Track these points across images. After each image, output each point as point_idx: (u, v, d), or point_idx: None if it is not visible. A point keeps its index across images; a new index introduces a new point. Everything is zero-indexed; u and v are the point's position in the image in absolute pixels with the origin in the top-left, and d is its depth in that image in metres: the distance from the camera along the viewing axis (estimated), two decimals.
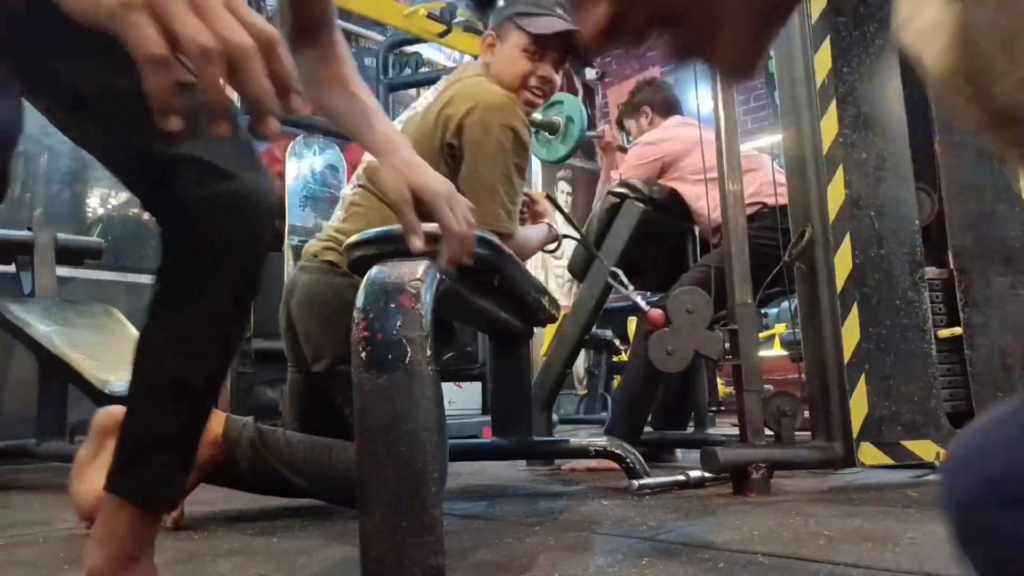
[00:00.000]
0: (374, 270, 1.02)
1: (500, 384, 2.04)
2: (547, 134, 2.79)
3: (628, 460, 1.84)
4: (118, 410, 1.34)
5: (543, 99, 1.73)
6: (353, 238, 1.15)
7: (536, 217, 1.88)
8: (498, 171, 1.53)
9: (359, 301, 0.98)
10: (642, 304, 1.95)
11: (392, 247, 1.08)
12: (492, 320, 1.73)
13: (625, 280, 2.03)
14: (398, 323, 0.95)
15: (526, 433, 1.99)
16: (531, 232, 1.80)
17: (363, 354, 0.94)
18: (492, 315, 1.58)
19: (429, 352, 0.95)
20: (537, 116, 2.79)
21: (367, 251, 1.11)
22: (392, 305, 0.96)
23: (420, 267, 1.01)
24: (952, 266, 1.81)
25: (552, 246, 1.84)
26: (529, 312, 1.76)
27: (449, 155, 1.54)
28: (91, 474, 1.32)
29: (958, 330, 1.77)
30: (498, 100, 1.56)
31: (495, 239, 1.27)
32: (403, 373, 0.93)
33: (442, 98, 1.60)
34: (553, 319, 1.98)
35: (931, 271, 1.79)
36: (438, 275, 1.04)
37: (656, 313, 1.94)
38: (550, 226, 1.84)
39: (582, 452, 2.02)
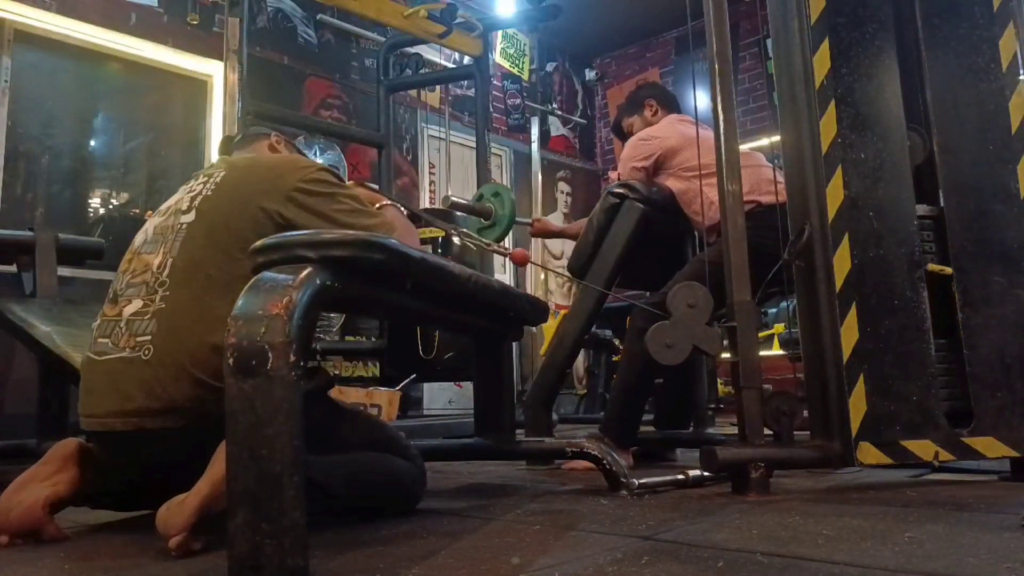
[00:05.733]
0: (255, 278, 1.07)
1: (480, 384, 2.03)
2: (482, 220, 2.94)
3: (605, 462, 1.77)
4: (74, 441, 1.40)
5: None
6: (256, 244, 1.17)
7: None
8: (346, 205, 1.50)
9: (234, 308, 1.01)
10: (500, 250, 2.00)
11: (279, 255, 1.12)
12: (452, 324, 1.69)
13: (471, 233, 2.05)
14: (262, 330, 0.98)
15: (507, 433, 1.96)
16: (399, 218, 1.74)
17: (230, 360, 0.97)
18: (450, 320, 1.55)
19: (293, 358, 0.97)
20: (464, 201, 2.94)
21: (259, 259, 1.14)
22: (259, 312, 1.00)
23: (298, 275, 1.05)
24: (951, 266, 1.81)
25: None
26: (495, 314, 1.74)
27: (279, 224, 1.44)
28: (31, 490, 1.30)
29: (948, 269, 1.78)
30: (297, 159, 1.61)
31: (394, 243, 1.25)
32: (264, 379, 0.96)
33: (245, 179, 1.51)
34: (528, 321, 1.97)
35: (921, 208, 1.82)
36: (322, 283, 1.07)
37: (519, 252, 1.98)
38: (394, 205, 1.77)
39: (558, 453, 1.98)
